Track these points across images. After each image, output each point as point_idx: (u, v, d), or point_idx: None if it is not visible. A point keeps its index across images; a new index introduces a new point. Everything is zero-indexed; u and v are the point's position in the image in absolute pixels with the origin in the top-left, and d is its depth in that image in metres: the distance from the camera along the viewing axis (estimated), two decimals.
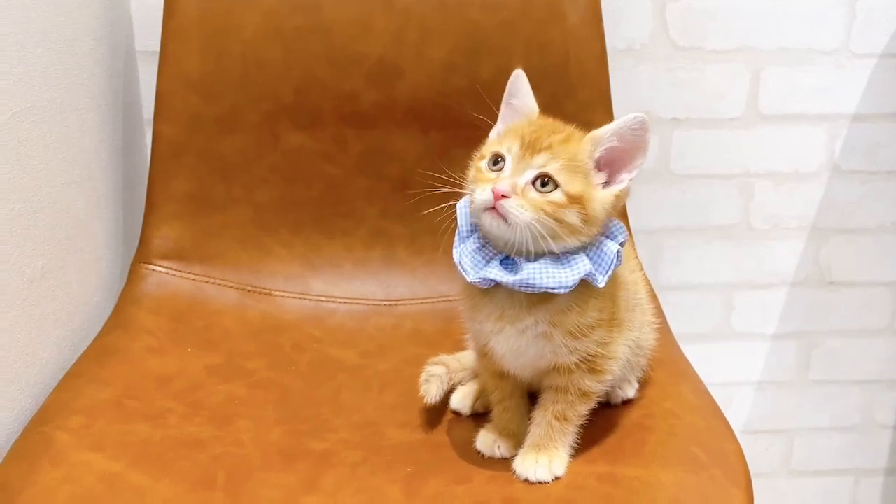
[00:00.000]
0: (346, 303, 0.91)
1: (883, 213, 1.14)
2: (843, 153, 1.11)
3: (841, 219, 1.14)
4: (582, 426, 0.66)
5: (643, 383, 0.74)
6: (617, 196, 0.62)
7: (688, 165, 1.10)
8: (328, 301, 0.91)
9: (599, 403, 0.70)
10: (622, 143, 0.61)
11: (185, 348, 0.81)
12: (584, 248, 0.61)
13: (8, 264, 0.70)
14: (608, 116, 0.93)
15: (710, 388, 0.76)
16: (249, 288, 0.91)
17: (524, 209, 0.59)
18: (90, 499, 0.62)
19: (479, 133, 0.93)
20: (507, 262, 0.61)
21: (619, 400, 0.72)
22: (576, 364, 0.63)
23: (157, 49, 0.90)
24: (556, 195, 0.59)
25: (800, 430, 1.24)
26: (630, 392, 0.72)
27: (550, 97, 0.91)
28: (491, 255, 0.62)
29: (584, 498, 0.61)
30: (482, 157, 0.64)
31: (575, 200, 0.59)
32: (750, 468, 0.66)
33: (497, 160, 0.62)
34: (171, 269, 0.90)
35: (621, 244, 0.63)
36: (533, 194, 0.59)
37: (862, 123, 1.10)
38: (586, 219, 0.60)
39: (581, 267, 0.60)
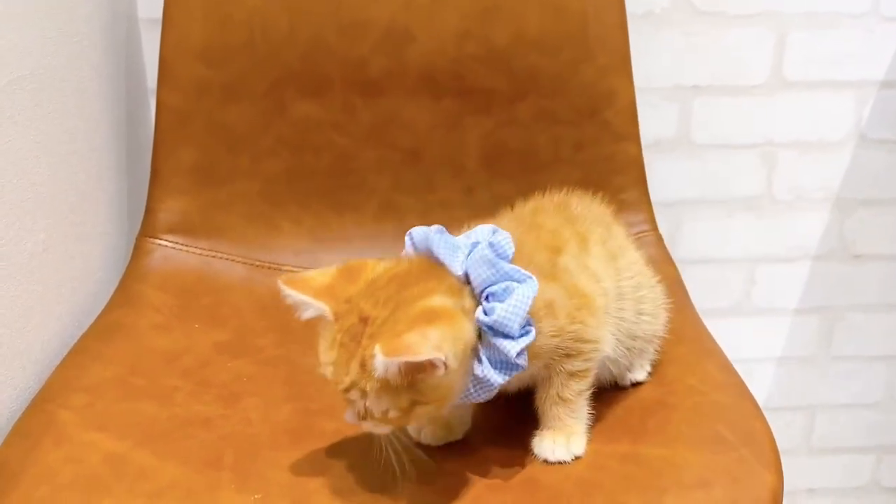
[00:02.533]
0: None
1: None
2: (871, 121, 1.08)
3: (867, 190, 1.11)
4: (602, 404, 0.64)
5: (665, 361, 0.71)
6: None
7: (709, 135, 1.07)
8: None
9: (612, 386, 0.67)
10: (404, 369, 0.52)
11: (192, 325, 0.79)
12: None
13: (7, 238, 0.68)
14: (629, 83, 0.89)
15: None
16: (257, 263, 0.88)
17: (379, 426, 0.56)
18: (94, 479, 0.60)
19: (492, 100, 0.90)
20: None
21: (627, 382, 0.69)
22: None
23: (160, 16, 0.87)
24: (393, 413, 0.54)
25: (821, 406, 1.21)
26: (640, 375, 0.69)
27: (568, 63, 0.88)
28: None
29: (605, 478, 0.59)
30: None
31: (413, 404, 0.54)
32: None
33: None
34: (177, 243, 0.87)
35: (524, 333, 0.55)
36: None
37: (891, 90, 1.06)
38: (442, 398, 0.55)
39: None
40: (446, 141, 0.90)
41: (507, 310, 0.54)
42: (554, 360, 0.59)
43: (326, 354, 0.56)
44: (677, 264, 0.89)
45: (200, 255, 0.87)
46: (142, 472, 0.61)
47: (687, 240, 1.11)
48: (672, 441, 0.62)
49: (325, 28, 0.87)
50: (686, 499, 0.57)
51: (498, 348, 0.55)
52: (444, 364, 0.51)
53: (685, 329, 0.77)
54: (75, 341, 0.75)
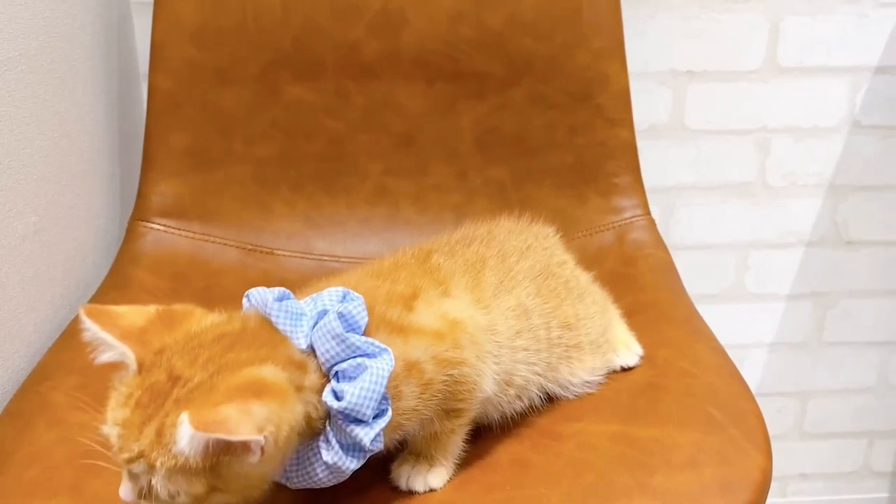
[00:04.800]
0: (349, 262, 0.89)
1: None
2: (864, 107, 1.08)
3: (860, 176, 1.11)
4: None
5: (657, 344, 0.71)
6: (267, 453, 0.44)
7: (703, 120, 1.07)
8: (331, 260, 0.89)
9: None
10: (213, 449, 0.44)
11: None
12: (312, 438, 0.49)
13: None
14: (622, 68, 0.89)
15: None
16: (250, 247, 0.88)
17: None
18: (86, 459, 0.60)
19: (486, 85, 0.90)
20: None
21: (617, 367, 0.69)
22: None
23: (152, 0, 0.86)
24: (183, 499, 0.45)
25: (813, 391, 1.22)
26: (631, 360, 0.69)
27: (562, 47, 0.88)
28: None
29: (596, 458, 0.59)
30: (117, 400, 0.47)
31: (210, 491, 0.45)
32: None
33: None
34: (169, 226, 0.87)
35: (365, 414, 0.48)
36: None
37: (885, 76, 1.06)
38: (248, 488, 0.47)
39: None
40: (440, 125, 0.90)
41: (360, 394, 0.48)
42: (427, 411, 0.54)
43: (116, 412, 0.46)
44: (670, 250, 0.89)
45: (193, 238, 0.87)
46: None
47: (680, 225, 1.11)
48: (662, 422, 0.62)
49: (319, 11, 0.86)
50: (676, 478, 0.57)
51: (350, 434, 0.49)
52: (262, 449, 0.44)
53: (677, 313, 0.77)
54: (67, 324, 0.75)
